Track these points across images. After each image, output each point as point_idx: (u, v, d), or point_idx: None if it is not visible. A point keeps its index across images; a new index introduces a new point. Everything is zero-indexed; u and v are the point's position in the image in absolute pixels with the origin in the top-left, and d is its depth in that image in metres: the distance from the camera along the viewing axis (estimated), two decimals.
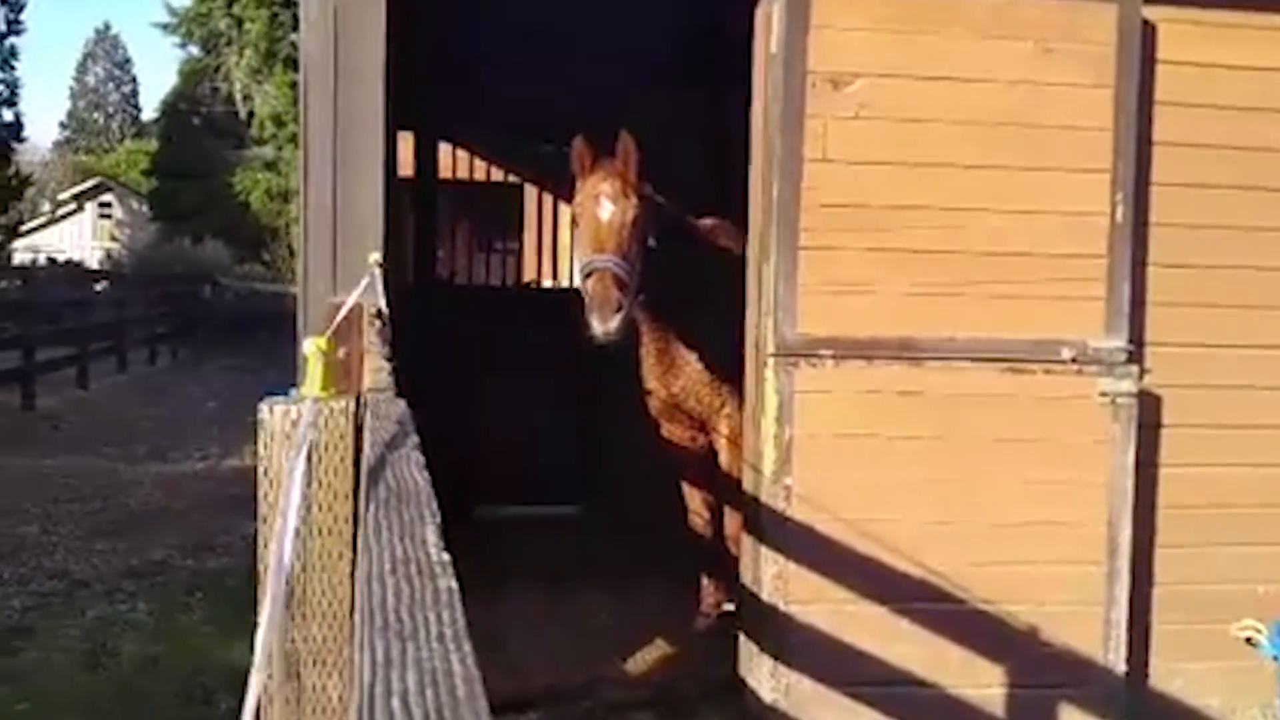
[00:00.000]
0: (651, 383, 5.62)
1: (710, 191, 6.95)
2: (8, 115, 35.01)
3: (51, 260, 32.98)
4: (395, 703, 0.56)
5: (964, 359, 4.62)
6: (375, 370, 2.10)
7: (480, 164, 9.44)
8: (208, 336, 25.03)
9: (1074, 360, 4.60)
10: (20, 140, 35.89)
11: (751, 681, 4.60)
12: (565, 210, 9.82)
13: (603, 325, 4.60)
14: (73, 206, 50.44)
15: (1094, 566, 4.63)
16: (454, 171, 9.03)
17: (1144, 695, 4.79)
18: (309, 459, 1.57)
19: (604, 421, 7.47)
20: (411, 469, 1.17)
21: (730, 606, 5.33)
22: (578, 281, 5.01)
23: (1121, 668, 4.63)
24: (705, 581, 5.84)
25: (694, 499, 5.86)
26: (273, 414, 1.64)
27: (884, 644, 4.50)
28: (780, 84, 4.53)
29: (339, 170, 4.31)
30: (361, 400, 1.76)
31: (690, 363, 5.44)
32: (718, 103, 7.43)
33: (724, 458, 5.48)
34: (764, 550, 4.57)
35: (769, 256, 4.59)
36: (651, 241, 4.95)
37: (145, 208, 46.34)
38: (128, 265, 35.21)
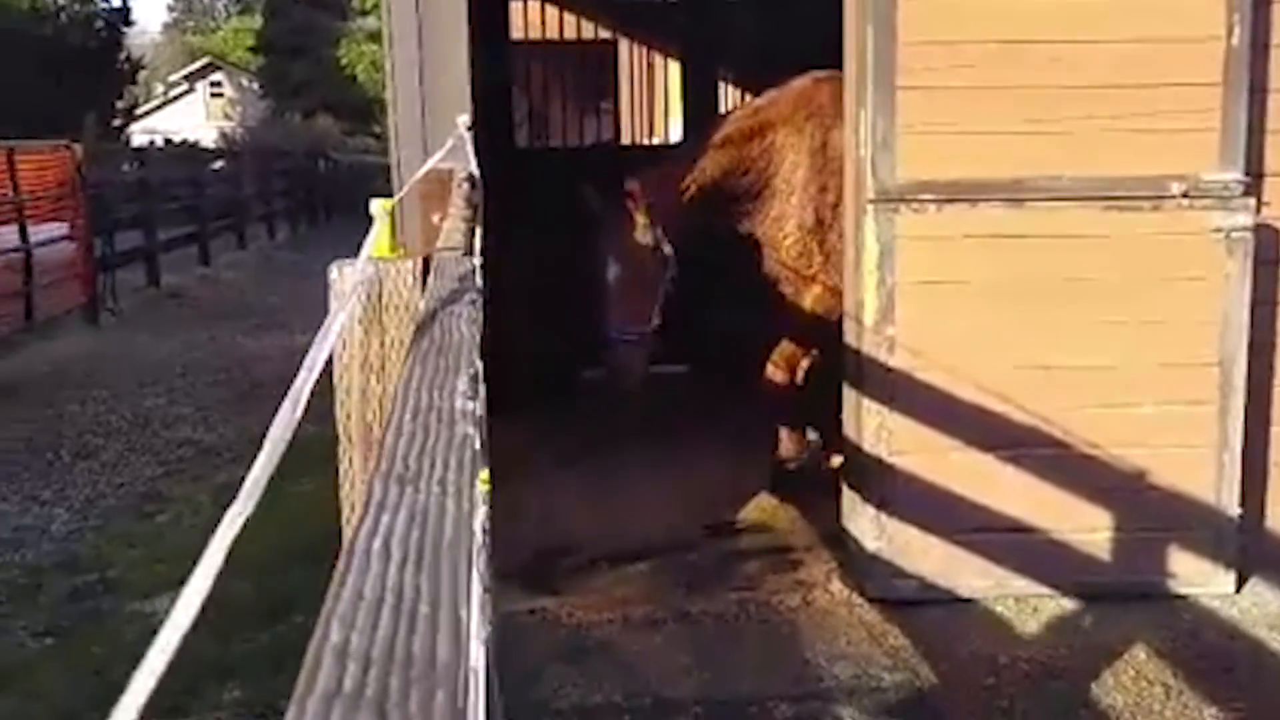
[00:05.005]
0: (754, 254, 5.60)
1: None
2: (115, 0, 35.51)
3: (168, 141, 33.74)
4: (377, 543, 0.57)
5: (1070, 199, 4.44)
6: (449, 231, 2.10)
7: (572, 22, 9.25)
8: (323, 209, 25.50)
9: (1185, 195, 4.39)
10: (129, 24, 36.40)
11: (854, 531, 4.63)
12: (661, 64, 9.64)
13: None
14: (184, 88, 51.27)
15: (1205, 406, 4.49)
16: (544, 31, 8.87)
17: (1259, 538, 4.69)
18: (367, 315, 1.59)
19: (712, 278, 7.40)
20: (460, 323, 1.17)
21: (837, 461, 5.36)
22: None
23: (1234, 510, 4.53)
24: (782, 430, 5.84)
25: (790, 353, 5.81)
26: (341, 275, 1.65)
27: (987, 490, 4.47)
28: None
29: (424, 34, 4.27)
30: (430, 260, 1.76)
31: (778, 239, 5.38)
32: None
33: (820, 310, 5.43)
34: (866, 400, 4.54)
35: (865, 99, 4.44)
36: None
37: (255, 85, 46.93)
38: (241, 143, 35.84)
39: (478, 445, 0.76)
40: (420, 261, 1.67)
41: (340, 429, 1.70)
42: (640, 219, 5.25)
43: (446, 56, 4.21)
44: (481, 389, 3.05)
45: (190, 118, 46.56)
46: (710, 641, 4.26)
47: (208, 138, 39.53)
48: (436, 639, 0.48)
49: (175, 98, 50.85)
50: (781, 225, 5.39)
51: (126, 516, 6.11)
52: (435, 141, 4.11)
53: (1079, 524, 4.51)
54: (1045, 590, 4.51)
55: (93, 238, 13.02)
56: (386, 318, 1.61)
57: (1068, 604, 4.47)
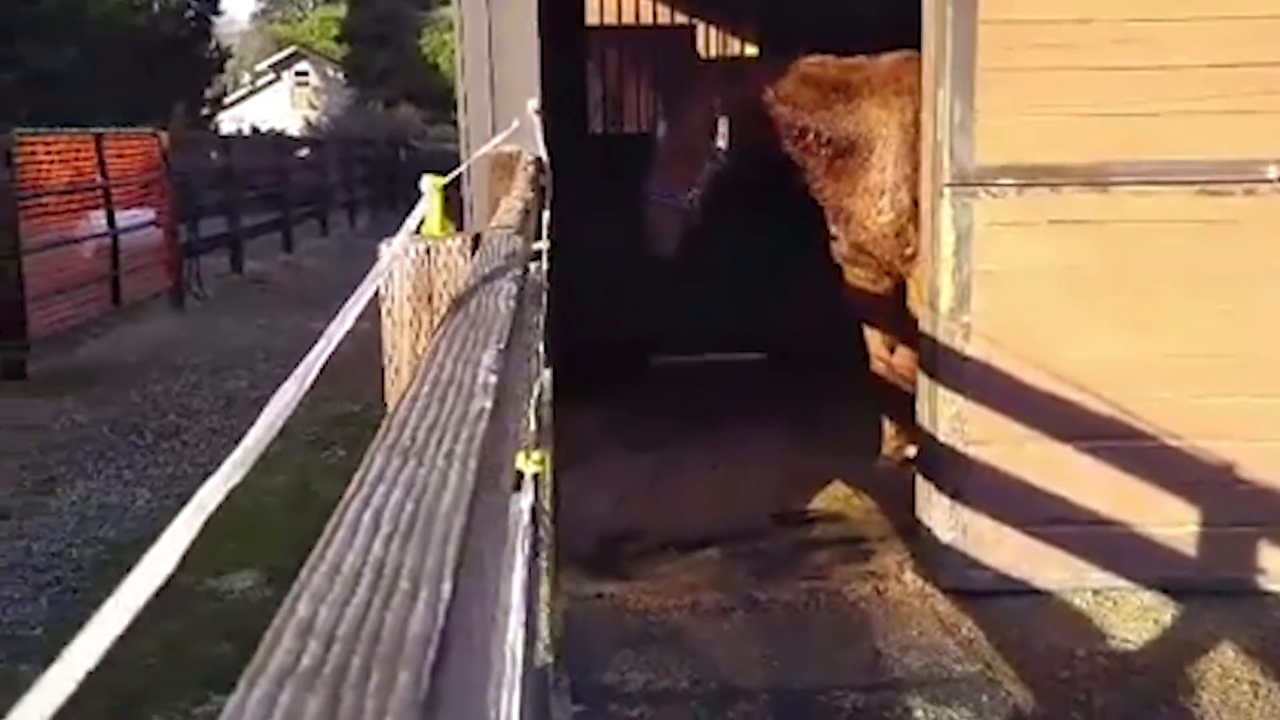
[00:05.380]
0: (837, 235, 5.51)
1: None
2: None
3: (254, 130, 34.37)
4: (367, 516, 0.53)
5: (1157, 183, 4.29)
6: (505, 210, 2.08)
7: (649, 7, 9.19)
8: (404, 197, 25.76)
9: None
10: (218, 14, 37.09)
11: (928, 521, 4.54)
12: (738, 49, 9.54)
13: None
14: (271, 76, 52.15)
15: None
16: (619, 16, 8.82)
17: None
18: (416, 293, 1.57)
19: (787, 266, 7.31)
20: (499, 299, 1.14)
21: (912, 451, 5.28)
22: None
23: None
24: (887, 426, 5.76)
25: (875, 342, 5.75)
26: (390, 254, 1.63)
27: (1065, 482, 4.35)
28: None
29: (493, 20, 4.26)
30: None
31: (871, 215, 5.27)
32: None
33: (913, 297, 5.33)
34: (940, 389, 4.44)
35: (944, 80, 4.33)
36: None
37: (339, 74, 47.59)
38: (325, 132, 36.39)
39: (490, 419, 0.73)
40: (470, 239, 1.64)
41: (390, 407, 1.68)
42: (706, 93, 5.21)
43: (515, 42, 4.19)
44: (547, 374, 3.02)
45: (276, 106, 47.36)
46: (779, 630, 4.21)
47: (293, 126, 40.20)
48: (410, 616, 0.44)
49: (262, 87, 51.75)
50: (875, 200, 5.27)
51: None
52: (504, 126, 4.10)
53: (1162, 517, 4.37)
54: (1125, 584, 4.38)
55: (178, 223, 13.29)
56: (436, 296, 1.58)
57: (1149, 598, 4.33)
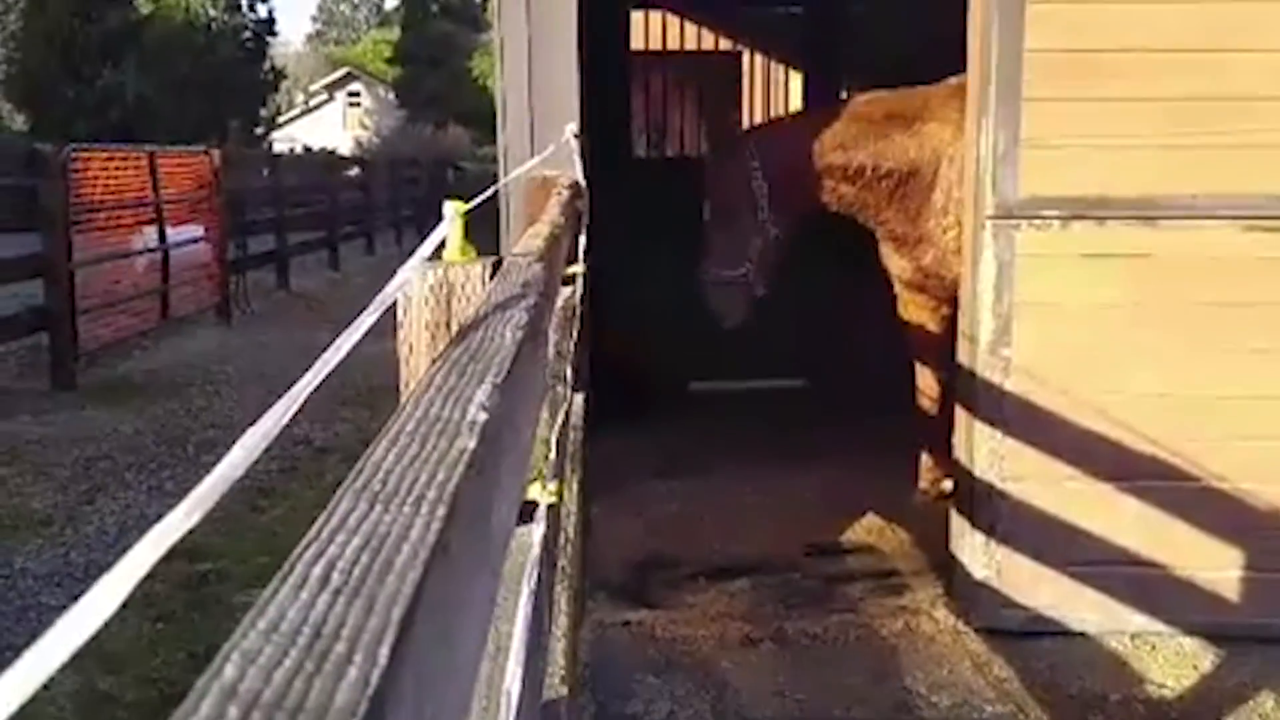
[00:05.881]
0: (899, 261, 5.46)
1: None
2: (261, 12, 36.86)
3: (307, 149, 34.81)
4: (319, 568, 0.51)
5: (1206, 218, 4.21)
6: (530, 235, 2.06)
7: (696, 33, 9.21)
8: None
9: None
10: (273, 34, 37.69)
11: (963, 557, 4.46)
12: (783, 76, 9.53)
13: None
14: (324, 97, 52.85)
15: None
16: (664, 42, 8.84)
17: None
18: (434, 319, 1.55)
19: (831, 292, 7.25)
20: (506, 329, 1.12)
21: (949, 485, 5.22)
22: None
23: None
24: (925, 458, 5.69)
25: (925, 377, 5.69)
26: (409, 280, 1.62)
27: (1106, 522, 4.26)
28: None
29: (533, 44, 4.27)
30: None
31: (938, 234, 5.22)
32: None
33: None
34: (978, 424, 4.37)
35: (988, 109, 4.28)
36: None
37: (390, 95, 48.13)
38: (375, 152, 36.78)
39: (477, 460, 0.71)
40: (490, 265, 1.62)
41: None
42: (743, 166, 5.23)
43: (556, 65, 4.20)
44: (578, 399, 2.99)
45: (329, 127, 47.98)
46: (807, 663, 4.15)
47: (345, 146, 40.68)
48: (339, 684, 0.42)
49: (315, 107, 52.45)
50: (941, 218, 5.21)
51: (241, 510, 6.26)
52: (543, 150, 4.10)
53: (1205, 561, 4.26)
54: (1164, 628, 4.28)
55: (227, 240, 13.45)
56: (455, 323, 1.57)
57: (1188, 644, 4.23)
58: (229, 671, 0.43)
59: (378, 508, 0.60)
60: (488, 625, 0.82)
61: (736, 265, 5.38)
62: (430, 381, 0.88)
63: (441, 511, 0.60)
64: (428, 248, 1.41)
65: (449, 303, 1.61)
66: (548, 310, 1.67)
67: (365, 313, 1.03)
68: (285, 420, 0.72)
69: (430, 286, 1.61)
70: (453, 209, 1.66)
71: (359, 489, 0.63)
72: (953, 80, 5.22)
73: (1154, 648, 4.22)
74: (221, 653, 0.45)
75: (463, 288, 1.61)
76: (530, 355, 1.23)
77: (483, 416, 0.78)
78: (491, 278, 1.62)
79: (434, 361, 0.98)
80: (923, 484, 5.70)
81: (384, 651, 0.45)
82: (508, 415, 0.93)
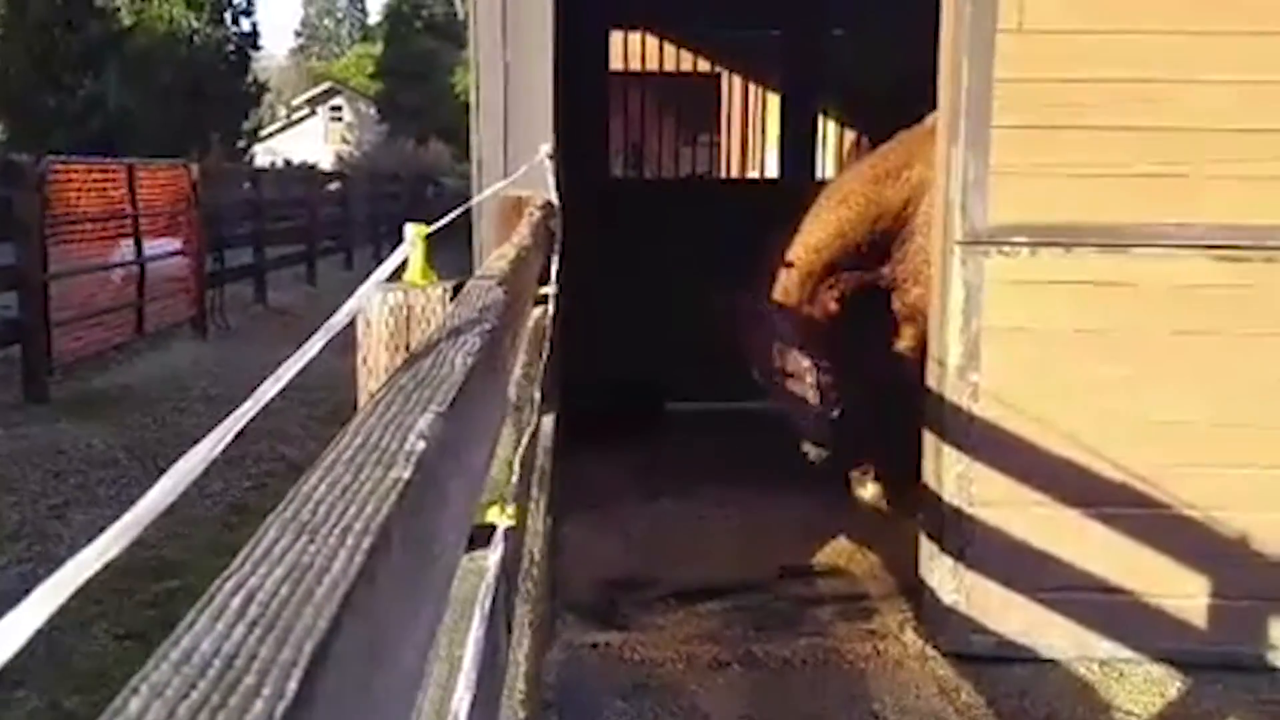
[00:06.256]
0: (896, 296, 5.53)
1: None
2: (245, 25, 36.81)
3: (287, 163, 34.73)
4: (238, 599, 0.51)
5: (1176, 247, 4.25)
6: (496, 257, 2.07)
7: (675, 54, 9.25)
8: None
9: None
10: (256, 48, 37.65)
11: (931, 582, 4.47)
12: (760, 97, 9.58)
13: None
14: (306, 111, 52.79)
15: None
16: (643, 62, 8.88)
17: None
18: (393, 342, 1.55)
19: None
20: (458, 355, 1.12)
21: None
22: None
23: None
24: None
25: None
26: (369, 302, 1.62)
27: (1074, 548, 4.28)
28: None
29: (509, 63, 4.28)
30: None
31: (925, 271, 5.30)
32: None
33: None
34: (946, 449, 4.39)
35: (957, 137, 4.32)
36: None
37: (372, 110, 48.13)
38: (355, 166, 36.75)
39: (413, 490, 0.71)
40: (451, 289, 1.63)
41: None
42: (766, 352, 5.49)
43: (532, 85, 4.21)
44: (547, 421, 2.98)
45: (311, 140, 47.89)
46: (774, 686, 4.14)
47: (326, 160, 40.62)
48: (243, 717, 0.42)
49: (297, 120, 52.37)
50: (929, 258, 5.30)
51: (213, 527, 6.23)
52: (516, 170, 4.11)
53: (1174, 588, 4.29)
54: (1132, 655, 4.30)
55: (205, 254, 13.40)
56: (414, 346, 1.57)
57: (1156, 671, 4.25)
58: (133, 705, 0.43)
59: (303, 538, 0.60)
60: (425, 651, 0.82)
61: (809, 417, 5.47)
62: (373, 409, 0.88)
63: (367, 543, 0.60)
64: (384, 271, 1.42)
65: (408, 325, 1.61)
66: (507, 334, 1.67)
67: (313, 339, 1.03)
68: (215, 453, 0.72)
69: (389, 308, 1.62)
70: (414, 231, 1.66)
71: (288, 519, 0.63)
72: (929, 120, 5.29)
73: (1122, 674, 4.24)
74: (130, 685, 0.45)
75: (422, 310, 1.61)
76: (484, 380, 1.23)
77: (420, 446, 0.79)
78: (453, 300, 1.62)
79: (379, 388, 0.98)
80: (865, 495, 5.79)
81: (292, 686, 0.45)
82: (452, 443, 0.93)
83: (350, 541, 0.60)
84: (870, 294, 5.53)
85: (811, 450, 5.52)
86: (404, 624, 0.71)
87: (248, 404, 0.83)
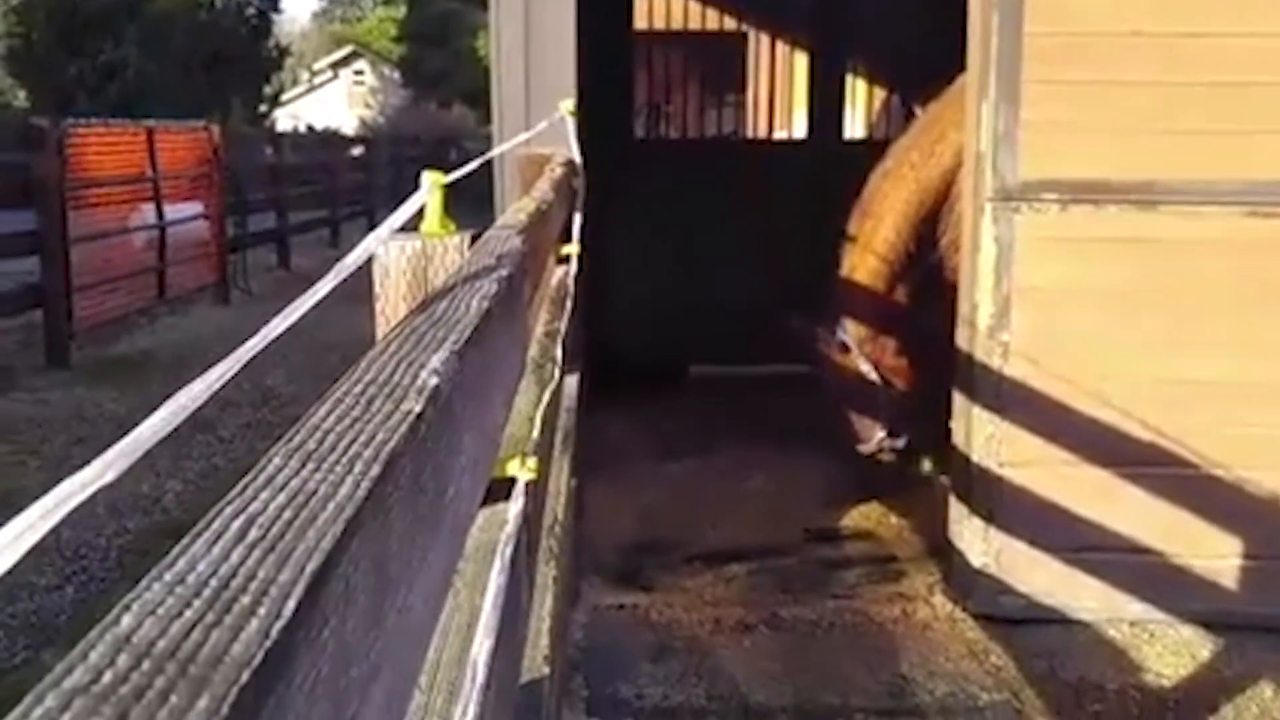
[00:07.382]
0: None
1: None
2: None
3: (310, 128, 34.71)
4: (238, 522, 0.48)
5: (1206, 203, 4.17)
6: (514, 210, 2.03)
7: (700, 12, 9.12)
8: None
9: None
10: (278, 11, 37.49)
11: (960, 544, 4.43)
12: (788, 56, 9.45)
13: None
14: (329, 75, 52.63)
15: None
16: (668, 21, 8.76)
17: None
18: (411, 293, 1.52)
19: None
20: (474, 299, 1.08)
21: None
22: None
23: None
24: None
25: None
26: (387, 251, 1.59)
27: (1105, 508, 4.23)
28: None
29: (530, 20, 4.22)
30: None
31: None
32: None
33: None
34: (976, 409, 4.34)
35: (987, 92, 4.24)
36: None
37: (395, 74, 47.95)
38: (378, 130, 36.69)
39: (425, 422, 0.67)
40: (469, 238, 1.59)
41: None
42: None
43: (552, 43, 4.15)
44: (571, 380, 2.95)
45: (333, 105, 47.79)
46: (802, 649, 4.12)
47: (349, 124, 40.56)
48: (238, 636, 0.39)
49: (320, 85, 52.23)
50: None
51: (223, 487, 6.25)
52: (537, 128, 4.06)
53: (1206, 549, 4.23)
54: (1163, 616, 4.25)
55: (227, 218, 13.40)
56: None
57: (1187, 632, 4.20)
58: (125, 621, 0.40)
59: (309, 466, 0.57)
60: (438, 599, 0.79)
61: (870, 436, 5.50)
62: (385, 347, 0.84)
63: (375, 471, 0.56)
64: (399, 218, 1.38)
65: (426, 274, 1.57)
66: (526, 283, 1.63)
67: (323, 280, 1.00)
68: (217, 387, 0.69)
69: (407, 258, 1.58)
70: (430, 179, 1.62)
71: (293, 448, 0.60)
72: (956, 85, 5.21)
73: (1153, 636, 4.19)
74: (120, 603, 0.42)
75: (440, 260, 1.57)
76: (501, 326, 1.19)
77: (433, 381, 0.75)
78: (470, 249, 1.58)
79: (394, 327, 0.94)
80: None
81: (290, 605, 0.42)
82: (468, 384, 0.90)
83: (358, 469, 0.57)
84: (932, 274, 5.50)
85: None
86: (412, 561, 0.67)
87: (254, 339, 0.79)
